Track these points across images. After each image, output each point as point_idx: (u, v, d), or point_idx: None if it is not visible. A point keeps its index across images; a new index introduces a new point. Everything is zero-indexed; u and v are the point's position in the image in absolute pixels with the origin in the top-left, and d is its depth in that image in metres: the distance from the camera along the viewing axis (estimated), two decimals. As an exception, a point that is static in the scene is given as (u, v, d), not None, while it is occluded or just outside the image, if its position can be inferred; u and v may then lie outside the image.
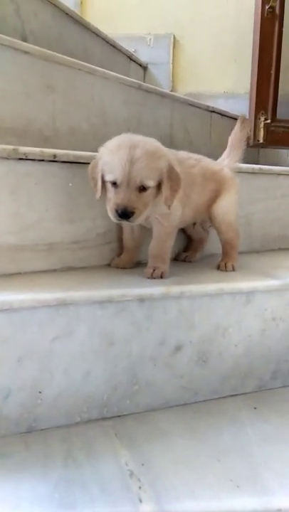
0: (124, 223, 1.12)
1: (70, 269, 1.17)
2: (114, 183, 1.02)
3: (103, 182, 1.05)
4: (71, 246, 1.17)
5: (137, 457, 0.87)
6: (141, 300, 1.00)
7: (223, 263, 1.26)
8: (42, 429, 0.94)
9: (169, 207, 1.07)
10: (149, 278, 1.10)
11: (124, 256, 1.24)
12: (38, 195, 1.10)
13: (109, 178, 1.02)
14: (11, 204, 1.06)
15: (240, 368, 1.12)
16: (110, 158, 1.02)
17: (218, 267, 1.26)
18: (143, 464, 0.85)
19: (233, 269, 1.25)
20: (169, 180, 1.04)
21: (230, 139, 1.42)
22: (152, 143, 1.06)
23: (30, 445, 0.89)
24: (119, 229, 1.24)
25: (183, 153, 1.26)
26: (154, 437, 0.94)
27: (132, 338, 1.00)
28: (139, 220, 1.02)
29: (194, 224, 1.37)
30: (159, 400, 1.04)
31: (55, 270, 1.15)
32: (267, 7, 2.17)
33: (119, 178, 1.00)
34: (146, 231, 1.22)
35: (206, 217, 1.32)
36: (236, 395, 1.12)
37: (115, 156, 1.01)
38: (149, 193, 1.03)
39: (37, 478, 0.80)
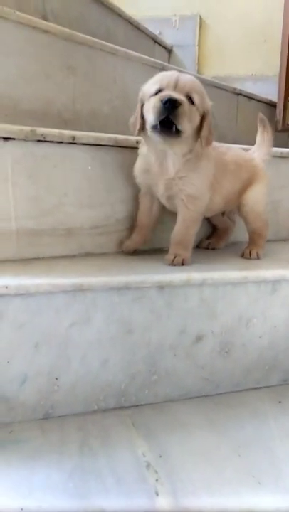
0: (146, 192, 1.12)
1: (88, 254, 1.15)
2: (158, 91, 0.94)
3: (143, 120, 1.00)
4: (90, 231, 1.14)
5: (155, 448, 0.84)
6: (160, 287, 0.96)
7: (248, 250, 1.21)
8: (59, 416, 0.93)
9: (206, 144, 1.02)
10: (170, 265, 1.06)
11: (135, 236, 1.17)
12: (56, 179, 1.07)
13: (152, 90, 0.96)
14: (29, 188, 1.03)
15: (264, 361, 1.07)
16: (156, 78, 0.98)
17: (243, 255, 1.21)
18: (160, 456, 0.82)
19: (258, 257, 1.19)
20: (207, 124, 1.00)
21: (257, 139, 1.37)
22: None
23: (47, 432, 0.88)
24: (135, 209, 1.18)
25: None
26: (173, 428, 0.91)
27: (151, 326, 0.97)
28: (183, 124, 0.93)
29: (223, 213, 1.32)
30: (179, 390, 1.01)
31: (74, 256, 1.13)
32: (299, -17, 2.06)
33: (164, 83, 0.94)
34: (166, 214, 1.17)
35: (235, 207, 1.27)
36: (260, 387, 1.08)
37: (162, 75, 0.98)
38: (194, 111, 0.96)
39: (51, 466, 0.79)
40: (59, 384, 0.92)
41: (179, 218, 1.10)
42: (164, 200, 1.12)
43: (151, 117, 0.95)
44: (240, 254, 1.23)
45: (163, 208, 1.16)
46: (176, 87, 0.94)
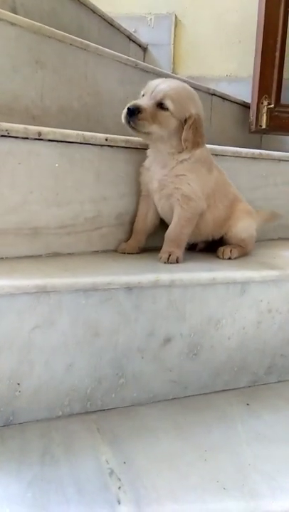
0: (144, 199, 1.19)
1: (56, 255, 1.11)
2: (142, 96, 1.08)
3: None
4: (57, 231, 1.11)
5: (119, 454, 0.82)
6: (128, 288, 0.94)
7: (222, 249, 1.21)
8: (20, 423, 0.89)
9: (186, 148, 1.09)
10: (165, 263, 1.09)
11: (131, 241, 1.20)
12: (21, 176, 1.03)
13: (141, 94, 1.09)
14: (-8, 184, 0.99)
15: (233, 362, 1.06)
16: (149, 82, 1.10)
17: (217, 253, 1.22)
18: (124, 462, 0.80)
19: (231, 257, 1.19)
20: (194, 126, 1.07)
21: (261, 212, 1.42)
22: (192, 90, 1.13)
23: (7, 440, 0.84)
24: (133, 213, 1.22)
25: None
26: (139, 434, 0.89)
27: (119, 328, 0.94)
28: (143, 126, 1.04)
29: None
30: (146, 394, 0.99)
31: (40, 256, 1.09)
32: (272, -14, 2.07)
33: (146, 90, 1.07)
34: (162, 222, 1.21)
35: (218, 236, 1.27)
36: (228, 390, 1.07)
37: (153, 80, 1.09)
38: (166, 117, 1.05)
39: (11, 476, 0.75)
40: (21, 389, 0.88)
41: (175, 217, 1.14)
42: (159, 203, 1.17)
43: (123, 118, 1.06)
44: (216, 254, 1.23)
45: (158, 216, 1.21)
46: (152, 94, 1.05)
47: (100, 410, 0.95)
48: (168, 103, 1.05)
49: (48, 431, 0.88)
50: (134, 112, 1.02)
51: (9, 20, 1.20)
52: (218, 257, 1.21)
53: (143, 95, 1.09)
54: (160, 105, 1.05)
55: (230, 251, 1.20)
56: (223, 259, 1.19)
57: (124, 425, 0.91)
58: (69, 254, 1.14)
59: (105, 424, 0.91)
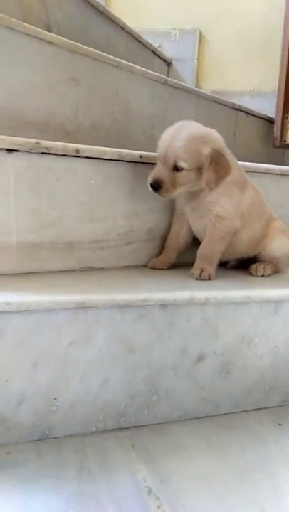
0: (177, 217, 1.21)
1: (89, 269, 1.13)
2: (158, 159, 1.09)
3: None
4: (91, 246, 1.13)
5: (155, 473, 0.82)
6: (163, 305, 0.95)
7: (255, 266, 1.22)
8: (56, 438, 0.90)
9: (210, 189, 1.07)
10: (197, 279, 1.10)
11: (162, 256, 1.22)
12: (58, 192, 1.05)
13: (156, 153, 1.10)
14: (31, 200, 1.01)
15: (264, 381, 1.06)
16: (162, 135, 1.09)
17: (250, 270, 1.22)
18: (162, 481, 0.80)
19: (264, 275, 1.20)
20: (214, 164, 1.05)
21: None
22: (205, 129, 1.10)
23: (43, 454, 0.85)
24: (168, 227, 1.24)
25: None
26: (173, 451, 0.89)
27: (153, 345, 0.95)
28: (168, 195, 1.07)
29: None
30: (179, 411, 0.99)
31: (73, 270, 1.11)
32: (299, 2, 2.09)
33: (159, 154, 1.07)
34: (194, 239, 1.23)
35: (253, 254, 1.27)
36: (259, 409, 1.07)
37: (165, 133, 1.08)
38: (184, 174, 1.06)
39: (49, 491, 0.76)
40: (57, 404, 0.89)
41: (207, 235, 1.15)
42: (194, 223, 1.19)
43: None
44: (249, 270, 1.23)
45: (191, 234, 1.23)
46: (165, 159, 1.05)
47: (133, 427, 0.96)
48: (181, 164, 1.04)
49: (82, 446, 0.88)
50: (156, 188, 1.05)
51: (47, 39, 1.24)
52: (250, 273, 1.21)
53: (158, 158, 1.09)
54: (175, 168, 1.05)
55: (264, 268, 1.20)
56: (255, 276, 1.19)
57: (158, 442, 0.91)
58: (101, 268, 1.15)
59: (139, 441, 0.91)
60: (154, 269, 1.19)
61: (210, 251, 1.14)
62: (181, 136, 1.04)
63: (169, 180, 1.05)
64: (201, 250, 1.15)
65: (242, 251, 1.24)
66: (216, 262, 1.15)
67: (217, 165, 1.05)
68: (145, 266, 1.22)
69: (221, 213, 1.13)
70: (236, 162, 1.19)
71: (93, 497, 0.75)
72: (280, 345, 1.06)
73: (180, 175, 1.05)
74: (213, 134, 1.10)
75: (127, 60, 1.57)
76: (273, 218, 1.28)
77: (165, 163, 1.05)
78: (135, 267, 1.22)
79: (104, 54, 1.40)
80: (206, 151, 1.05)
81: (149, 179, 1.06)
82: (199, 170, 1.06)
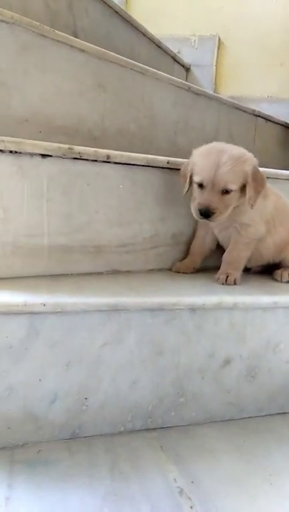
0: (202, 224, 1.21)
1: (115, 272, 1.15)
2: (200, 185, 1.08)
3: (191, 181, 1.12)
4: (118, 249, 1.15)
5: (185, 474, 0.84)
6: (192, 309, 0.96)
7: (280, 272, 1.23)
8: (86, 437, 0.92)
9: (251, 206, 1.10)
10: (223, 284, 1.12)
11: (186, 261, 1.24)
12: (89, 197, 1.08)
13: (196, 179, 1.09)
14: (62, 204, 1.04)
15: (289, 386, 1.07)
16: (200, 160, 1.09)
17: (274, 276, 1.24)
18: (192, 482, 0.82)
19: None
20: (253, 181, 1.08)
21: None
22: (239, 149, 1.12)
23: (74, 453, 0.87)
24: (193, 234, 1.26)
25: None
26: (200, 453, 0.90)
27: (181, 348, 0.97)
28: (219, 219, 1.08)
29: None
30: (204, 414, 1.01)
31: (101, 273, 1.13)
32: None
33: (205, 180, 1.06)
34: (218, 245, 1.25)
35: (278, 260, 1.28)
36: (284, 413, 1.08)
37: (204, 159, 1.08)
38: (232, 195, 1.08)
39: (83, 489, 0.78)
40: (88, 404, 0.91)
41: (232, 241, 1.17)
42: (219, 235, 1.21)
43: (193, 212, 1.10)
44: (273, 276, 1.24)
45: (216, 240, 1.25)
46: (214, 185, 1.05)
47: (160, 428, 0.97)
48: (232, 187, 1.06)
49: (112, 446, 0.90)
50: (208, 215, 1.06)
51: (77, 46, 1.26)
52: (275, 279, 1.22)
53: (200, 184, 1.07)
54: (225, 192, 1.06)
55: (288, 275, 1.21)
56: (281, 282, 1.20)
57: (185, 444, 0.93)
58: (127, 271, 1.17)
59: (167, 442, 0.93)
60: (179, 272, 1.21)
61: (236, 257, 1.16)
62: (225, 159, 1.06)
63: (221, 207, 1.06)
64: (227, 256, 1.17)
65: (268, 257, 1.25)
66: (242, 267, 1.17)
67: (256, 181, 1.08)
68: (169, 269, 1.24)
69: (246, 221, 1.15)
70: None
71: (128, 497, 0.77)
72: (305, 350, 1.07)
73: (229, 197, 1.07)
74: (246, 152, 1.12)
75: (148, 65, 1.60)
76: None
77: (213, 188, 1.06)
78: (160, 270, 1.23)
79: (130, 61, 1.43)
80: (249, 169, 1.08)
81: (198, 207, 1.06)
82: (241, 188, 1.09)
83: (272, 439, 0.97)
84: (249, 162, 1.09)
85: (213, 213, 1.05)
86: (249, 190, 1.08)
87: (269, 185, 1.24)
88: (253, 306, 1.01)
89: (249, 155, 1.11)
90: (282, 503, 0.78)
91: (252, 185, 1.08)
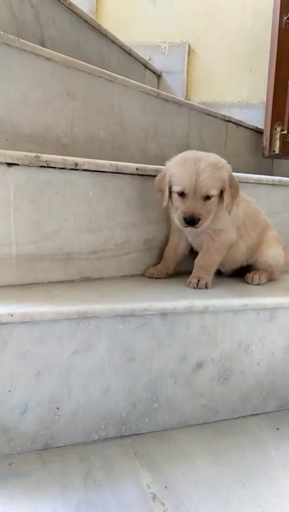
0: (176, 230, 1.21)
1: (87, 279, 1.15)
2: (181, 194, 1.09)
3: (170, 192, 1.12)
4: (89, 256, 1.14)
5: (159, 479, 0.84)
6: (163, 314, 0.97)
7: (251, 275, 1.25)
8: (59, 447, 0.91)
9: (229, 212, 1.12)
10: (194, 288, 1.12)
11: (160, 266, 1.25)
12: (58, 204, 1.07)
13: (177, 189, 1.09)
14: (30, 213, 1.03)
15: (261, 387, 1.08)
16: (177, 170, 1.10)
17: (246, 279, 1.26)
18: (166, 487, 0.81)
19: (259, 283, 1.23)
20: (230, 187, 1.11)
21: None
22: (212, 155, 1.13)
23: (47, 463, 0.86)
24: (165, 239, 1.27)
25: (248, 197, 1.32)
26: (175, 458, 0.90)
27: (153, 353, 0.97)
28: (204, 225, 1.09)
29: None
30: (179, 418, 1.01)
31: (72, 281, 1.12)
32: (285, 18, 2.15)
33: (186, 188, 1.08)
34: (191, 250, 1.27)
35: (251, 262, 1.31)
36: (257, 414, 1.09)
37: (182, 168, 1.09)
38: (213, 201, 1.10)
39: (56, 499, 0.77)
40: (60, 413, 0.90)
41: (205, 246, 1.18)
42: (193, 241, 1.22)
43: (177, 222, 1.11)
44: (245, 279, 1.26)
45: (189, 246, 1.26)
46: (195, 192, 1.07)
47: (134, 434, 0.97)
48: (212, 192, 1.08)
49: (86, 455, 0.89)
50: (194, 222, 1.07)
51: (44, 54, 1.26)
52: (246, 282, 1.24)
53: (181, 193, 1.08)
54: (206, 197, 1.08)
55: (259, 277, 1.23)
56: (252, 284, 1.22)
57: (160, 449, 0.93)
58: (99, 278, 1.17)
59: (141, 449, 0.93)
60: (152, 278, 1.22)
61: (207, 261, 1.17)
62: (203, 166, 1.07)
63: (204, 213, 1.07)
64: (199, 260, 1.18)
65: (241, 260, 1.28)
66: (213, 271, 1.18)
67: (232, 188, 1.11)
68: (142, 275, 1.25)
69: (219, 226, 1.16)
70: None
71: (100, 505, 0.76)
72: (276, 351, 1.09)
73: (210, 202, 1.09)
74: (220, 158, 1.14)
75: (119, 73, 1.61)
76: (269, 227, 1.32)
77: (196, 195, 1.07)
78: (133, 276, 1.24)
79: (99, 69, 1.43)
80: (225, 175, 1.10)
81: (183, 215, 1.07)
82: (218, 195, 1.11)
83: (246, 441, 0.98)
84: (225, 168, 1.11)
85: (198, 220, 1.06)
86: (226, 197, 1.10)
87: (240, 191, 1.26)
88: (224, 308, 1.02)
89: (224, 161, 1.13)
90: (254, 502, 0.79)
91: (229, 192, 1.10)
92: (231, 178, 1.12)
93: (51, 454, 0.89)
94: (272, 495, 0.81)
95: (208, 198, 1.08)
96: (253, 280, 1.23)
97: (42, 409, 0.89)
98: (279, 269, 1.31)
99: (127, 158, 1.55)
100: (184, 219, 1.07)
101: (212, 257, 1.17)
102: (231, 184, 1.11)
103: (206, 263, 1.17)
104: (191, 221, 1.07)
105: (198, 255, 1.19)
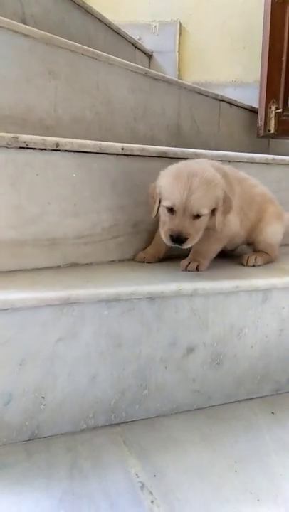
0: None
1: (74, 265, 1.11)
2: (170, 209, 1.03)
3: (160, 204, 1.06)
4: (75, 241, 1.10)
5: (148, 467, 0.81)
6: (151, 298, 0.93)
7: (247, 256, 1.21)
8: (45, 437, 0.88)
9: (220, 229, 1.07)
10: (183, 270, 1.08)
11: (150, 249, 1.20)
12: (39, 187, 1.03)
13: (166, 203, 1.03)
14: (11, 196, 0.99)
15: (255, 371, 1.05)
16: (169, 184, 1.03)
17: (241, 260, 1.22)
18: (155, 475, 0.79)
19: (255, 265, 1.19)
20: (223, 206, 1.05)
21: None
22: (209, 171, 1.05)
23: (33, 454, 0.83)
24: (155, 221, 1.17)
25: (243, 174, 1.26)
26: (165, 445, 0.88)
27: (141, 339, 0.94)
28: (190, 244, 1.03)
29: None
30: (170, 404, 0.98)
31: (58, 267, 1.08)
32: (278, -9, 2.08)
33: (176, 205, 1.01)
34: None
35: (251, 241, 1.28)
36: (251, 398, 1.06)
37: (174, 183, 1.02)
38: (203, 219, 1.03)
39: (40, 491, 0.75)
40: (45, 403, 0.87)
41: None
42: None
43: (163, 237, 1.04)
44: (240, 260, 1.22)
45: None
46: (185, 210, 1.00)
47: (124, 422, 0.94)
48: (204, 211, 1.02)
49: (73, 444, 0.87)
50: (181, 241, 1.01)
51: (22, 31, 1.21)
52: (242, 264, 1.20)
53: (170, 209, 1.02)
54: (196, 216, 1.02)
55: (255, 258, 1.19)
56: (247, 266, 1.18)
57: (150, 437, 0.90)
58: (87, 264, 1.13)
59: (131, 437, 0.90)
60: (143, 262, 1.18)
61: (206, 248, 1.12)
62: (197, 184, 1.01)
63: (193, 232, 1.01)
64: (197, 246, 1.10)
65: (240, 242, 1.25)
66: (211, 258, 1.14)
67: (225, 206, 1.06)
68: (132, 260, 1.21)
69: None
70: (233, 170, 1.21)
71: (86, 495, 0.74)
72: (270, 334, 1.05)
73: (200, 221, 1.03)
74: (216, 174, 1.06)
75: (107, 53, 1.55)
76: (268, 201, 1.26)
77: (185, 213, 1.01)
78: (122, 261, 1.20)
79: (82, 46, 1.38)
80: (220, 194, 1.04)
81: (170, 233, 1.01)
82: (210, 213, 1.05)
83: (239, 426, 0.95)
84: (220, 186, 1.05)
85: (186, 239, 1.00)
86: (218, 216, 1.05)
87: (230, 172, 1.20)
88: (214, 291, 0.98)
89: (219, 178, 1.06)
90: (246, 489, 0.76)
91: (221, 211, 1.05)
92: (226, 197, 1.06)
93: (37, 444, 0.87)
94: (265, 480, 0.79)
95: (198, 216, 1.02)
96: (248, 261, 1.19)
97: (27, 398, 0.86)
98: (278, 247, 1.27)
99: (115, 139, 1.49)
100: (171, 236, 1.01)
101: (211, 245, 1.12)
102: (225, 201, 1.06)
103: (204, 249, 1.12)
104: (178, 240, 1.01)
105: (197, 241, 1.09)
